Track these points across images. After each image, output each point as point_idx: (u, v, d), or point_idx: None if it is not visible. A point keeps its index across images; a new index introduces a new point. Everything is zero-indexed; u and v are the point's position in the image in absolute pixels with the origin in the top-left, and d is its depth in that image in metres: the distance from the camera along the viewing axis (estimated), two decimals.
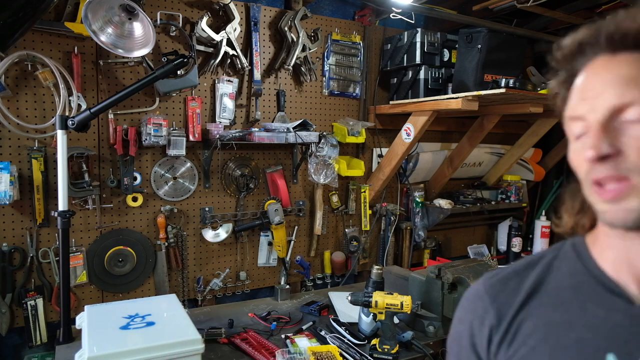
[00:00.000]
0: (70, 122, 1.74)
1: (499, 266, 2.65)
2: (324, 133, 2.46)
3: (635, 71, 0.61)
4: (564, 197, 0.77)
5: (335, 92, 2.63)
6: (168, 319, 1.69)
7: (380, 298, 1.78)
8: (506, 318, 0.72)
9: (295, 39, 2.37)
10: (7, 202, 1.79)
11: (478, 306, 0.76)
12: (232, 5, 2.19)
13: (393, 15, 2.55)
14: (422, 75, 2.56)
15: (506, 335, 0.71)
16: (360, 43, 2.66)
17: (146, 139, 2.03)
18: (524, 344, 0.69)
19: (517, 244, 3.04)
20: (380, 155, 2.78)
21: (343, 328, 1.93)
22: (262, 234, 2.48)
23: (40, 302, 1.96)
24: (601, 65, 0.64)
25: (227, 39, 2.20)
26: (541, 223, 3.21)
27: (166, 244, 2.22)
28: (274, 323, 2.01)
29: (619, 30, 0.62)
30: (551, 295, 0.71)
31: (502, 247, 3.29)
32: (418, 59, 2.55)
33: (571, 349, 0.65)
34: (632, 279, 0.65)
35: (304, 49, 2.40)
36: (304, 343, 1.81)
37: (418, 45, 2.54)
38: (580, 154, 0.65)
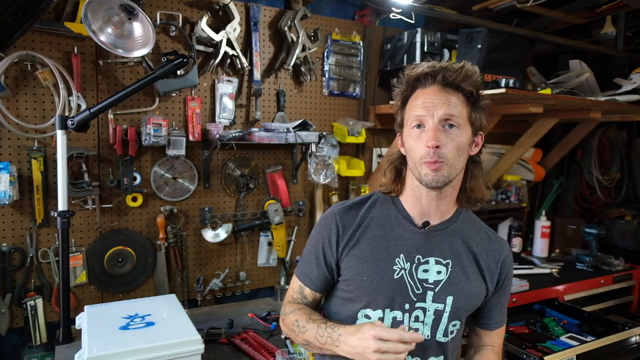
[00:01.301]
0: (70, 122, 1.74)
1: None
2: (324, 133, 2.45)
3: (455, 100, 1.11)
4: (386, 171, 1.27)
5: (335, 92, 2.63)
6: (168, 319, 1.69)
7: None
8: (348, 232, 1.21)
9: (295, 39, 2.37)
10: (7, 202, 1.79)
11: (331, 224, 1.23)
12: (232, 5, 2.18)
13: (393, 15, 2.55)
14: None
15: (349, 242, 1.21)
16: (360, 43, 2.66)
17: (146, 139, 2.03)
18: (358, 247, 1.20)
19: (517, 244, 3.03)
20: (380, 155, 2.78)
21: None
22: (262, 234, 2.48)
23: (39, 302, 1.95)
24: (436, 90, 1.12)
25: (227, 39, 2.20)
26: (541, 223, 3.20)
27: (166, 244, 2.22)
28: (274, 323, 2.01)
29: (452, 77, 1.11)
30: (375, 221, 1.22)
31: None
32: (418, 59, 2.54)
33: (383, 250, 1.19)
34: (418, 214, 1.21)
35: (303, 49, 2.40)
36: None
37: (418, 45, 2.53)
38: (419, 142, 1.12)
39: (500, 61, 2.40)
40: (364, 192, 2.74)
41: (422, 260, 1.18)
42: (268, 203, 2.37)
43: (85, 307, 1.74)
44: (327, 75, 2.58)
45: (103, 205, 2.08)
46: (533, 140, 3.07)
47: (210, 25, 2.16)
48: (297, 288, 1.31)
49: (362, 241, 1.20)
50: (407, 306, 1.17)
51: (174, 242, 2.24)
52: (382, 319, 1.17)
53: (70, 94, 1.93)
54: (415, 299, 1.17)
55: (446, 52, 2.62)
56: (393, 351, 1.01)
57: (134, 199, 2.13)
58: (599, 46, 3.04)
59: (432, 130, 1.09)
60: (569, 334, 2.20)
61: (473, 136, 1.16)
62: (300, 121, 2.31)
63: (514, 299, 2.43)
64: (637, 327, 2.21)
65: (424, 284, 1.18)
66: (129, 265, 2.14)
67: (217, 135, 2.17)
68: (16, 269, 1.94)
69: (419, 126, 1.13)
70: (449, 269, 1.19)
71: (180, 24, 2.12)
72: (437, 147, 1.08)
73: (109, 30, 1.74)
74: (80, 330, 1.67)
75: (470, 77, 1.12)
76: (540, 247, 3.21)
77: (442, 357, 1.22)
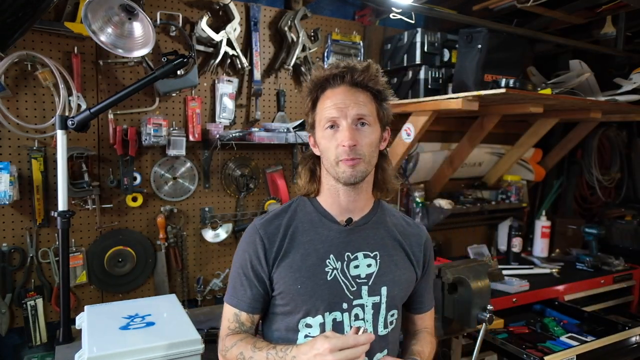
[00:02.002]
0: (70, 122, 1.74)
1: (499, 266, 2.65)
2: None
3: (364, 98, 1.16)
4: (301, 173, 1.28)
5: None
6: (168, 319, 1.69)
7: None
8: (275, 244, 1.19)
9: (295, 39, 2.37)
10: (7, 202, 1.79)
11: (256, 240, 1.19)
12: (232, 5, 2.18)
13: (393, 15, 2.55)
14: (422, 75, 2.56)
15: (278, 255, 1.18)
16: (360, 43, 2.66)
17: (146, 139, 2.03)
18: (288, 257, 1.18)
19: (517, 244, 3.03)
20: None
21: None
22: None
23: (40, 302, 1.95)
24: (345, 90, 1.15)
25: (227, 39, 2.20)
26: (541, 223, 3.20)
27: (166, 244, 2.22)
28: None
29: (359, 77, 1.15)
30: (300, 228, 1.22)
31: (502, 247, 3.29)
32: (418, 59, 2.54)
33: (312, 254, 1.18)
34: (338, 212, 1.23)
35: (304, 49, 2.40)
36: None
37: (418, 45, 2.53)
38: (333, 142, 1.14)
39: (500, 61, 2.40)
40: None
41: (351, 257, 1.20)
42: (268, 203, 2.37)
43: (85, 307, 1.74)
44: None
45: (103, 205, 2.08)
46: (533, 140, 3.08)
47: (210, 25, 2.16)
48: (232, 317, 1.23)
49: (291, 251, 1.19)
50: (345, 305, 1.18)
51: (174, 242, 2.25)
52: (323, 324, 1.16)
53: (70, 94, 1.93)
54: (352, 297, 1.18)
55: (446, 52, 2.62)
56: (352, 357, 1.00)
57: (134, 199, 2.13)
58: (599, 46, 3.04)
59: (346, 130, 1.12)
60: (569, 334, 2.20)
61: (382, 132, 1.21)
62: (300, 121, 2.31)
63: (514, 299, 2.43)
64: (637, 327, 2.21)
65: (357, 279, 1.19)
66: (129, 265, 2.14)
67: (217, 135, 2.17)
68: (16, 269, 1.94)
69: (332, 126, 1.15)
70: (378, 260, 1.22)
71: (180, 24, 2.12)
72: (353, 145, 1.11)
73: (109, 30, 1.73)
74: (80, 330, 1.67)
75: (377, 76, 1.17)
76: (541, 247, 3.21)
77: (386, 350, 1.23)
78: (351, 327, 1.17)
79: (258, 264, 1.18)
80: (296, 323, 1.18)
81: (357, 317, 1.18)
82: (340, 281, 1.18)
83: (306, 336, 1.17)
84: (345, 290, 1.18)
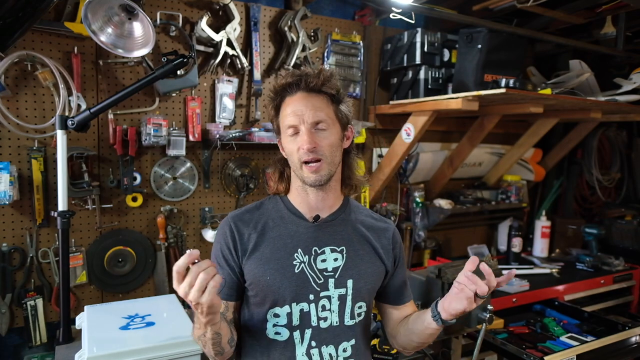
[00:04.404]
0: (70, 122, 1.74)
1: (499, 266, 2.65)
2: None
3: (320, 103, 1.22)
4: (271, 172, 1.36)
5: None
6: (168, 319, 1.69)
7: None
8: (244, 237, 1.26)
9: (295, 39, 2.37)
10: (7, 202, 1.79)
11: (227, 231, 1.27)
12: (232, 5, 2.18)
13: (393, 15, 2.55)
14: (422, 75, 2.56)
15: (248, 247, 1.25)
16: (360, 43, 2.66)
17: (146, 139, 2.03)
18: (258, 250, 1.25)
19: (517, 244, 3.03)
20: (380, 156, 2.78)
21: None
22: None
23: (40, 302, 1.95)
24: (302, 97, 1.23)
25: (227, 38, 2.20)
26: (541, 223, 3.21)
27: (166, 244, 2.22)
28: None
29: (312, 82, 1.22)
30: (270, 224, 1.29)
31: (502, 247, 3.29)
32: (418, 59, 2.54)
33: (281, 248, 1.25)
34: (307, 210, 1.29)
35: (304, 49, 2.40)
36: None
37: (418, 45, 2.53)
38: (295, 146, 1.21)
39: (500, 61, 2.40)
40: (364, 192, 2.75)
41: (318, 252, 1.26)
42: None
43: (85, 307, 1.75)
44: None
45: (103, 205, 2.08)
46: (533, 140, 3.08)
47: (210, 25, 2.16)
48: None
49: (261, 244, 1.26)
50: (311, 297, 1.24)
51: (174, 242, 2.25)
52: (290, 314, 1.23)
53: (70, 94, 1.93)
54: (318, 289, 1.24)
55: (446, 52, 2.62)
56: (195, 280, 0.95)
57: (134, 199, 2.13)
58: (599, 46, 3.04)
59: (305, 134, 1.20)
60: (569, 334, 2.20)
61: (343, 131, 1.28)
62: None
63: (513, 299, 2.43)
64: (637, 327, 2.21)
65: (324, 272, 1.26)
66: (129, 265, 2.14)
67: (217, 135, 2.17)
68: (16, 269, 1.94)
69: (294, 132, 1.23)
70: (344, 255, 1.28)
71: (180, 24, 2.12)
72: (313, 147, 1.19)
73: (109, 30, 1.74)
74: (80, 330, 1.67)
75: (330, 80, 1.24)
76: (541, 247, 3.21)
77: (353, 340, 1.28)
78: (318, 317, 1.23)
79: (229, 254, 1.25)
80: (265, 313, 1.25)
81: (324, 307, 1.25)
82: (307, 274, 1.24)
83: (274, 325, 1.24)
84: (312, 282, 1.24)
